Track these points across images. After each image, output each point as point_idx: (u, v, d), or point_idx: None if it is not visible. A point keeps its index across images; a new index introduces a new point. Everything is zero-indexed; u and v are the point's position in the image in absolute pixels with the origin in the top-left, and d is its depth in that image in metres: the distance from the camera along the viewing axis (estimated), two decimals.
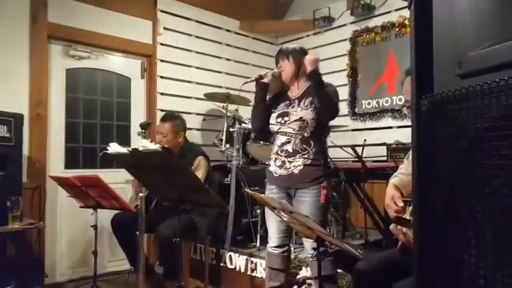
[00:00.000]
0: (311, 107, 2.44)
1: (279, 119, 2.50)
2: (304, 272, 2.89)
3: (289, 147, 2.43)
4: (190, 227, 3.14)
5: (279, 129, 2.50)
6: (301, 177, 2.40)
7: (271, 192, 2.53)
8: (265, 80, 2.57)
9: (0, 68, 3.41)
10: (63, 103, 3.88)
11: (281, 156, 2.46)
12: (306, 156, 2.40)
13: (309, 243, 2.42)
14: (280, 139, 2.49)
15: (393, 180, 1.88)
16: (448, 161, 0.85)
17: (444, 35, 0.89)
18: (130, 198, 3.41)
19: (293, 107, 2.50)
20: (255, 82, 2.63)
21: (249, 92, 4.69)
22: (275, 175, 2.49)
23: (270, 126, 2.56)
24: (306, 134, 2.42)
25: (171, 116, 3.46)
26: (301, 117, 2.42)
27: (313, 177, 2.40)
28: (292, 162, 2.41)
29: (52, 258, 3.70)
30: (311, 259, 2.45)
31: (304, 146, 2.41)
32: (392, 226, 1.81)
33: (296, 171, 2.40)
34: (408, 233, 1.74)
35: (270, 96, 2.69)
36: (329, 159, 2.64)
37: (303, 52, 2.58)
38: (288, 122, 2.45)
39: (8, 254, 3.06)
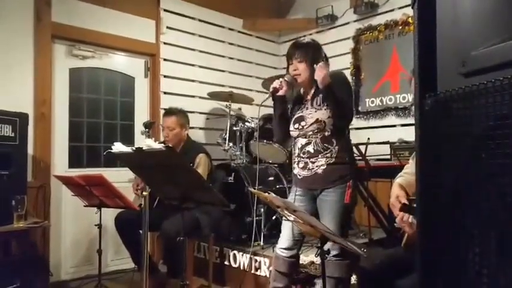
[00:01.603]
0: (324, 106, 2.34)
1: (296, 125, 2.42)
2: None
3: (310, 148, 2.35)
4: (194, 225, 3.15)
5: (298, 134, 2.43)
6: (325, 177, 2.31)
7: (295, 194, 2.45)
8: (281, 93, 2.40)
9: (5, 68, 3.42)
10: (67, 102, 3.89)
11: (303, 158, 2.38)
12: (328, 155, 2.32)
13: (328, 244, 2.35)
14: (300, 141, 2.41)
15: (398, 180, 1.88)
16: (452, 159, 0.85)
17: (447, 34, 0.89)
18: (134, 197, 3.43)
19: (307, 109, 2.42)
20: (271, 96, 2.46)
21: (251, 90, 4.73)
22: (299, 177, 2.41)
23: (290, 133, 2.48)
24: (326, 133, 2.33)
25: (175, 110, 3.47)
26: (317, 119, 2.33)
27: (338, 175, 2.31)
28: (315, 162, 2.34)
29: (57, 256, 3.72)
30: (329, 260, 2.37)
31: (326, 145, 2.33)
32: (398, 219, 1.80)
33: (320, 171, 2.32)
34: (414, 222, 1.73)
35: (290, 105, 2.57)
36: (355, 156, 2.52)
37: (319, 51, 2.44)
38: (305, 127, 2.37)
39: (13, 252, 3.08)
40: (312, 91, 2.46)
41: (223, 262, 3.52)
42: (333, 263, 2.26)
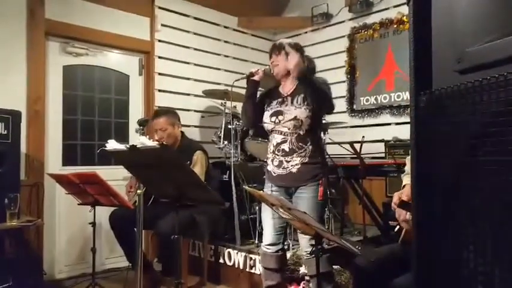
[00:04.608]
0: (304, 105, 2.42)
1: (273, 118, 2.48)
2: (304, 269, 2.89)
3: (285, 147, 2.42)
4: (190, 224, 3.15)
5: (273, 128, 2.49)
6: (299, 176, 2.39)
7: (270, 190, 2.53)
8: (255, 78, 2.57)
9: None
10: (61, 100, 3.86)
11: (278, 155, 2.45)
12: (302, 154, 2.40)
13: (304, 241, 2.41)
14: (276, 138, 2.47)
15: (406, 178, 1.89)
16: (447, 157, 0.85)
17: (443, 31, 0.89)
18: (129, 195, 3.41)
19: (286, 105, 2.48)
20: (246, 79, 2.63)
21: (244, 88, 4.71)
22: (274, 174, 2.48)
23: (264, 124, 2.54)
24: (301, 132, 2.40)
25: (162, 111, 3.48)
26: (295, 117, 2.40)
27: (312, 174, 2.40)
28: (289, 161, 2.41)
29: (50, 255, 3.69)
30: (306, 257, 2.45)
31: (301, 144, 2.40)
32: (397, 216, 1.81)
33: (294, 170, 2.40)
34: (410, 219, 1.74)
35: (262, 92, 2.69)
36: (327, 156, 2.63)
37: (297, 48, 2.53)
38: (282, 121, 2.43)
39: (5, 251, 3.06)
40: (292, 88, 2.52)
41: (218, 260, 3.51)
42: (312, 261, 2.32)
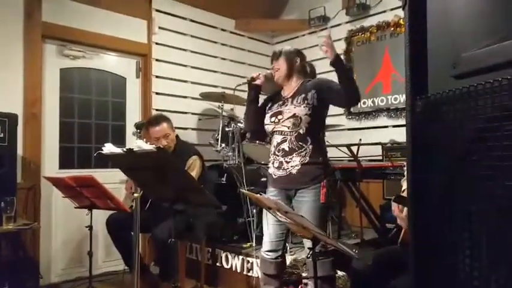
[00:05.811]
0: (304, 103, 2.40)
1: (273, 118, 2.48)
2: (305, 272, 2.89)
3: (285, 146, 2.39)
4: (186, 228, 3.13)
5: (273, 128, 2.47)
6: (299, 177, 2.35)
7: (270, 195, 2.46)
8: (257, 82, 2.55)
9: None
10: (57, 103, 3.85)
11: (278, 156, 2.42)
12: (302, 154, 2.35)
13: (309, 243, 2.40)
14: (276, 138, 2.45)
15: (405, 185, 1.89)
16: (442, 162, 0.85)
17: (438, 36, 0.89)
18: (124, 197, 3.40)
19: (286, 106, 2.48)
20: (247, 84, 2.61)
21: (244, 91, 4.72)
22: (274, 177, 2.45)
23: (265, 126, 2.53)
24: (301, 131, 2.37)
25: (160, 117, 3.36)
26: (294, 114, 2.38)
27: (313, 176, 2.35)
28: (289, 162, 2.37)
29: (47, 259, 3.68)
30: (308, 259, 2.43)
31: (301, 143, 2.36)
32: (396, 213, 1.82)
33: (294, 171, 2.35)
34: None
35: (265, 97, 2.69)
36: (328, 157, 2.58)
37: (297, 53, 2.57)
38: (281, 120, 2.42)
39: (2, 254, 3.04)
40: (292, 90, 2.53)
41: (215, 263, 3.50)
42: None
